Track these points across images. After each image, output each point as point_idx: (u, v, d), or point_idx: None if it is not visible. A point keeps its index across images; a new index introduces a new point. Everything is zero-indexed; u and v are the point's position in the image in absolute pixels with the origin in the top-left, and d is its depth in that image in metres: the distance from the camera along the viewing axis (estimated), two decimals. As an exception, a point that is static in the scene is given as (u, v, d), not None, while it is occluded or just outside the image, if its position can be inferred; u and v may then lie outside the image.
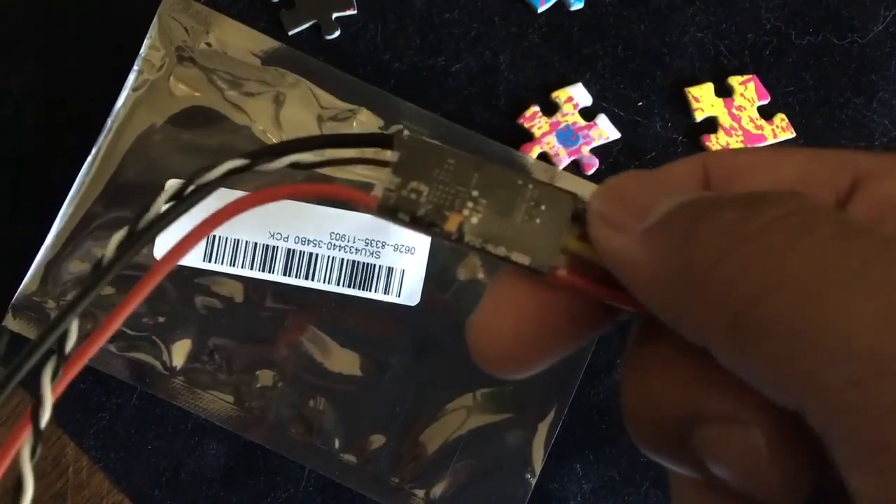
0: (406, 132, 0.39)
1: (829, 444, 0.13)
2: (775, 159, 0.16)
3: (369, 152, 0.17)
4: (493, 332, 0.17)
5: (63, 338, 0.15)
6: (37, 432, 0.15)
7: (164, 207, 0.16)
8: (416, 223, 0.16)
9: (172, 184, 0.16)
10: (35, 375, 0.15)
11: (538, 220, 0.16)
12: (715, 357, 0.14)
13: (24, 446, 0.15)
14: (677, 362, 0.15)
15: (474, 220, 0.16)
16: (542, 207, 0.16)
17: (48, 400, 0.15)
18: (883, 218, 0.15)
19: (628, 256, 0.15)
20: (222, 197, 0.16)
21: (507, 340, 0.16)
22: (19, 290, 0.38)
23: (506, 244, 0.16)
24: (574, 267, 0.16)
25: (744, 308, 0.13)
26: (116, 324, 0.16)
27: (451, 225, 0.16)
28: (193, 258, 0.38)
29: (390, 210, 0.16)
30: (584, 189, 0.40)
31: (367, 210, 0.16)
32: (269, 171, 0.17)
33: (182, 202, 0.16)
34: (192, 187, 0.16)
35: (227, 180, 0.16)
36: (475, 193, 0.16)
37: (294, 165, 0.17)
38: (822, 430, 0.13)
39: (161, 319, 0.38)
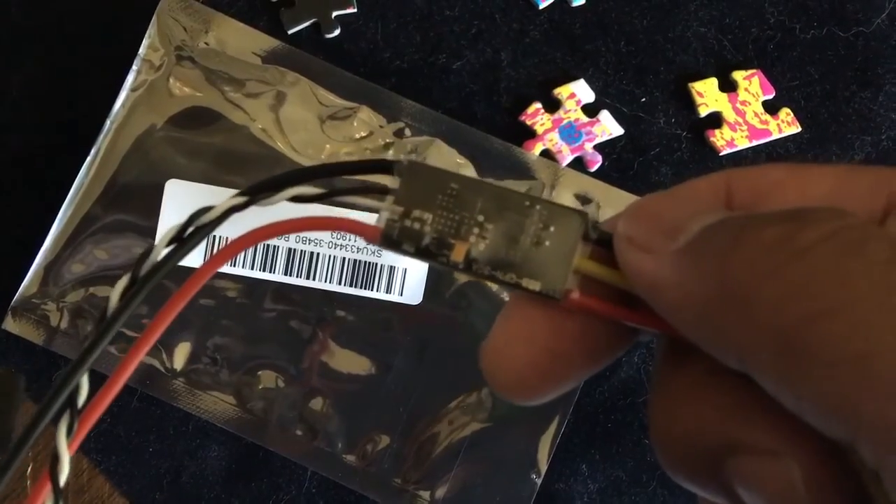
0: (406, 130, 0.39)
1: (884, 479, 0.12)
2: (805, 176, 0.16)
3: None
4: (507, 359, 0.16)
5: (75, 392, 0.15)
6: (56, 490, 0.15)
7: (165, 252, 0.16)
8: (421, 254, 0.16)
9: (171, 227, 0.16)
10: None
11: (548, 243, 0.15)
12: (758, 383, 0.13)
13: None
14: (709, 387, 0.15)
15: (481, 247, 0.16)
16: (552, 229, 0.16)
17: (66, 457, 0.15)
18: None
19: (660, 278, 0.14)
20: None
21: (521, 367, 0.16)
22: (19, 291, 0.37)
23: (515, 271, 0.15)
24: (588, 289, 0.16)
25: (795, 332, 0.12)
26: (125, 375, 0.15)
27: (458, 255, 0.16)
28: (194, 259, 0.37)
29: (394, 241, 0.16)
30: (588, 186, 0.39)
31: (369, 242, 0.16)
32: (268, 206, 0.16)
33: (182, 245, 0.16)
34: (191, 228, 0.16)
35: (226, 219, 0.16)
36: (481, 218, 0.16)
37: (295, 199, 0.16)
38: (878, 464, 0.12)
39: (161, 321, 0.38)
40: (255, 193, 0.16)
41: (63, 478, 0.15)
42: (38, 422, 0.15)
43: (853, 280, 0.12)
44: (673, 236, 0.14)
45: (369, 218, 0.16)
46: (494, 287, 0.38)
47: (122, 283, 0.16)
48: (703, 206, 0.15)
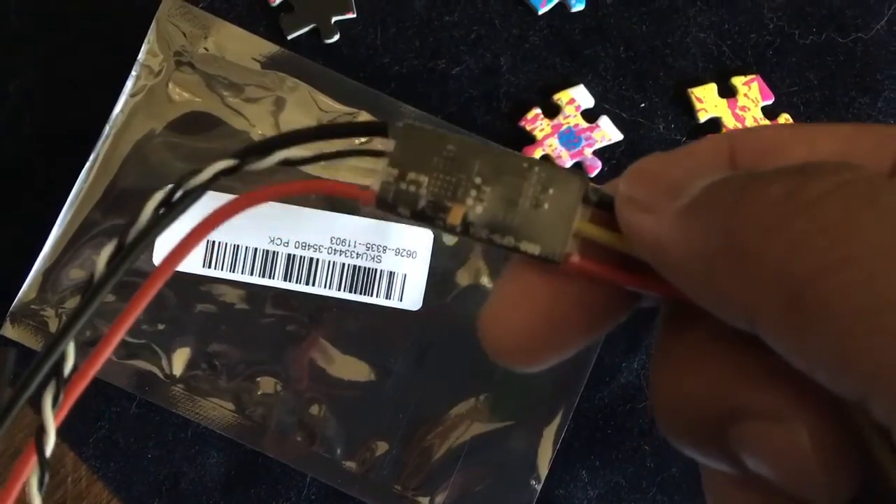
0: (403, 120, 0.39)
1: (895, 435, 0.12)
2: (811, 135, 0.15)
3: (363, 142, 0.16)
4: (505, 324, 0.16)
5: (61, 361, 0.15)
6: (42, 461, 0.15)
7: (152, 216, 0.15)
8: (417, 217, 0.15)
9: (158, 192, 0.16)
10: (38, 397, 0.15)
11: (547, 206, 0.15)
12: (766, 341, 0.13)
13: (32, 477, 0.15)
14: (713, 352, 0.14)
15: (479, 209, 0.15)
16: (551, 191, 0.15)
17: (51, 427, 0.15)
18: None
19: (663, 238, 0.14)
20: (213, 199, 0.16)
21: (519, 333, 0.16)
22: (17, 297, 0.37)
23: (514, 234, 0.15)
24: (588, 253, 0.15)
25: (804, 286, 0.12)
26: (114, 341, 0.15)
27: (455, 217, 0.15)
28: (193, 264, 0.37)
29: (389, 205, 0.15)
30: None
31: (365, 204, 0.15)
32: (259, 170, 0.16)
33: (172, 209, 0.15)
34: (180, 193, 0.16)
35: (215, 183, 0.16)
36: (478, 181, 0.15)
37: (284, 162, 0.16)
38: (891, 419, 0.12)
39: (161, 327, 0.38)
40: (245, 156, 0.16)
41: (49, 449, 0.15)
42: (23, 390, 0.15)
43: (865, 230, 0.12)
44: (675, 195, 0.14)
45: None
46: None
47: (109, 249, 0.15)
48: (706, 166, 0.15)
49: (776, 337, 0.13)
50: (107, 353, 0.15)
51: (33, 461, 0.15)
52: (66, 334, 0.15)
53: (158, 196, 0.15)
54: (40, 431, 0.15)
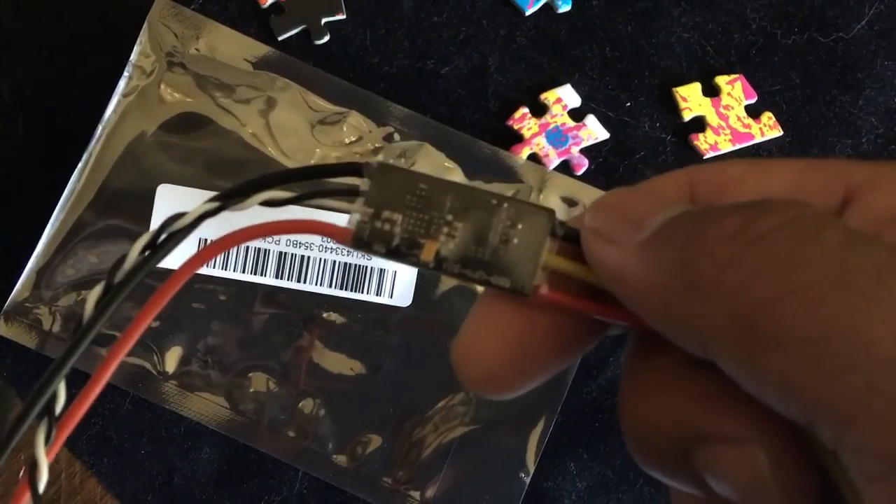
0: (395, 134, 0.40)
1: (842, 458, 0.13)
2: (765, 170, 0.16)
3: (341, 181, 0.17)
4: (477, 354, 0.16)
5: (52, 400, 0.15)
6: (36, 497, 0.15)
7: (138, 258, 0.16)
8: (391, 254, 0.16)
9: (144, 235, 0.16)
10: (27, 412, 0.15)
11: (516, 240, 0.16)
12: (722, 368, 0.14)
13: None
14: (677, 377, 0.15)
15: (451, 245, 0.16)
16: (519, 226, 0.16)
17: (44, 464, 0.15)
18: (879, 231, 0.15)
19: (625, 269, 0.15)
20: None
21: (491, 363, 0.16)
22: (11, 296, 0.38)
23: (485, 268, 0.16)
24: (556, 284, 0.16)
25: (754, 316, 0.13)
26: (101, 382, 0.15)
27: (428, 254, 0.16)
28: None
29: (364, 243, 0.16)
30: (575, 189, 0.40)
31: (341, 243, 0.16)
32: (240, 211, 0.17)
33: (156, 252, 0.16)
34: (164, 235, 0.16)
35: (199, 225, 0.16)
36: (449, 217, 0.16)
37: (266, 203, 0.16)
38: (837, 443, 0.13)
39: (154, 324, 0.38)
40: (227, 199, 0.16)
41: (42, 485, 0.15)
42: (13, 431, 0.15)
43: (809, 264, 0.13)
44: (638, 228, 0.15)
45: (342, 220, 0.16)
46: (481, 290, 0.38)
47: (97, 291, 0.16)
48: (667, 200, 0.15)
49: (729, 364, 0.13)
50: (95, 391, 0.15)
51: (27, 497, 0.15)
52: (56, 374, 0.15)
53: (144, 239, 0.16)
54: (33, 468, 0.15)
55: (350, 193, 0.16)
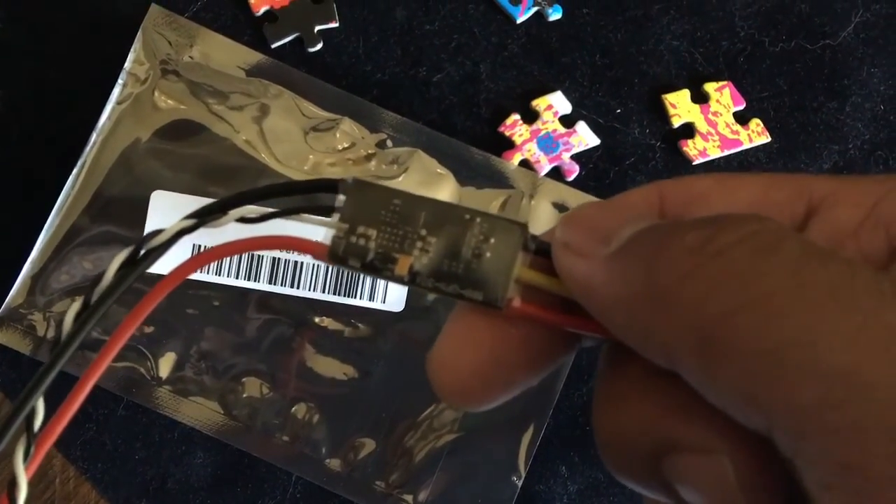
0: (388, 141, 0.40)
1: (798, 467, 0.13)
2: (730, 185, 0.17)
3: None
4: (452, 367, 0.16)
5: (31, 416, 0.15)
6: None
7: (116, 275, 0.16)
8: (366, 269, 0.16)
9: (122, 252, 0.16)
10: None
11: (488, 254, 0.16)
12: (685, 379, 0.14)
13: None
14: (646, 389, 0.15)
15: (424, 260, 0.16)
16: (492, 240, 0.16)
17: (23, 481, 0.15)
18: (840, 244, 0.16)
19: (593, 282, 0.15)
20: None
21: (465, 375, 0.16)
22: (5, 302, 0.38)
23: (458, 282, 0.16)
24: (529, 297, 0.16)
25: (712, 327, 0.13)
26: (79, 398, 0.16)
27: (402, 268, 0.16)
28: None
29: (340, 258, 0.16)
30: (566, 195, 0.40)
31: (317, 258, 0.16)
32: (217, 227, 0.17)
33: (134, 268, 0.16)
34: (142, 252, 0.16)
35: (176, 242, 0.17)
36: (423, 232, 0.16)
37: (242, 220, 0.17)
38: (793, 452, 0.13)
39: (147, 329, 0.38)
40: (205, 216, 0.17)
41: (21, 501, 0.15)
42: None
43: (767, 277, 0.13)
44: (605, 242, 0.15)
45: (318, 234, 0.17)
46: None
47: (75, 307, 0.16)
48: (636, 215, 0.16)
49: (691, 375, 0.14)
50: (73, 409, 0.16)
51: None
52: (35, 391, 0.15)
53: (122, 256, 0.16)
54: (12, 486, 0.15)
55: (326, 210, 0.16)
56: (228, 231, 0.17)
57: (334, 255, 0.16)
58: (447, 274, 0.16)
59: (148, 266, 0.16)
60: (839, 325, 0.12)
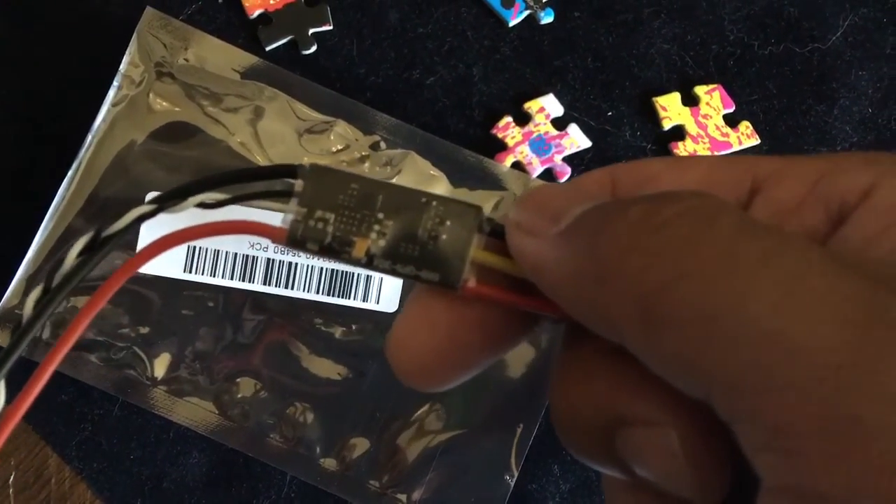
0: (382, 143, 0.40)
1: (736, 432, 0.13)
2: (679, 167, 0.17)
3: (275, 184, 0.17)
4: (410, 347, 0.17)
5: None
6: None
7: (75, 261, 0.16)
8: (324, 252, 0.16)
9: (81, 238, 0.17)
10: None
11: (444, 237, 0.16)
12: (630, 351, 0.14)
13: None
14: (598, 367, 0.16)
15: (381, 242, 0.16)
16: (448, 223, 0.16)
17: None
18: (783, 220, 0.16)
19: (542, 259, 0.15)
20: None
21: (422, 355, 0.17)
22: (0, 303, 0.38)
23: (414, 263, 0.16)
24: (484, 278, 0.16)
25: (651, 297, 0.14)
26: (39, 384, 0.16)
27: (359, 251, 0.16)
28: (174, 269, 0.38)
29: (298, 241, 0.16)
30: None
31: (275, 242, 0.17)
32: (176, 212, 0.17)
33: (92, 254, 0.17)
34: (101, 238, 0.17)
35: (135, 227, 0.17)
36: (380, 216, 0.16)
37: (201, 205, 0.17)
38: (729, 417, 0.13)
39: (143, 330, 0.38)
40: (164, 200, 0.17)
41: None
42: None
43: (703, 248, 0.13)
44: (556, 221, 0.16)
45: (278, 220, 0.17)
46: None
47: (36, 293, 0.16)
48: (586, 196, 0.16)
49: (634, 345, 0.14)
50: (34, 392, 0.16)
51: None
52: None
53: (81, 242, 0.16)
54: None
55: (285, 195, 0.17)
56: (188, 218, 0.17)
57: (293, 238, 0.16)
58: (403, 256, 0.16)
59: (107, 252, 0.17)
60: (768, 292, 0.13)
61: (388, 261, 0.16)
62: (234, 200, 0.17)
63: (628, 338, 0.14)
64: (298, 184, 0.17)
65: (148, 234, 0.38)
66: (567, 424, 0.16)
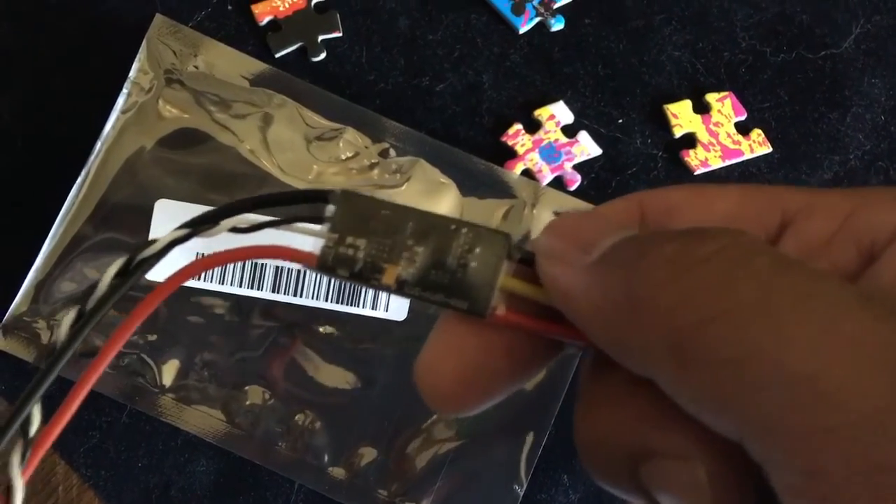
0: (391, 150, 0.40)
1: (768, 472, 0.13)
2: (708, 197, 0.17)
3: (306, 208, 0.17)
4: (438, 373, 0.17)
5: (27, 423, 0.16)
6: None
7: (110, 285, 0.17)
8: (354, 278, 0.16)
9: (116, 262, 0.17)
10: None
11: (473, 264, 0.16)
12: (659, 386, 0.14)
13: None
14: (624, 397, 0.16)
15: (411, 269, 0.16)
16: (477, 250, 0.16)
17: (19, 485, 0.16)
18: (812, 256, 0.16)
19: (574, 289, 0.15)
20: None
21: (451, 382, 0.17)
22: (9, 310, 0.38)
23: (444, 291, 0.16)
24: (512, 305, 0.16)
25: (685, 336, 0.13)
26: (75, 404, 0.16)
27: (389, 278, 0.16)
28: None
29: (329, 267, 0.16)
30: (568, 204, 0.41)
31: (307, 267, 0.17)
32: (209, 237, 0.17)
33: (127, 278, 0.17)
34: (135, 262, 0.17)
35: (168, 252, 0.17)
36: (410, 242, 0.16)
37: (233, 230, 0.17)
38: (761, 458, 0.13)
39: (151, 338, 0.38)
40: (197, 225, 0.17)
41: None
42: None
43: (737, 289, 0.13)
44: (588, 251, 0.15)
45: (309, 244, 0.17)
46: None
47: (71, 316, 0.16)
48: (617, 225, 0.16)
49: (665, 382, 0.14)
50: (68, 415, 0.16)
51: None
52: (30, 398, 0.16)
53: (115, 266, 0.17)
54: (9, 490, 0.16)
55: (316, 220, 0.17)
56: (221, 241, 0.17)
57: (323, 264, 0.16)
58: (433, 283, 0.16)
59: (141, 276, 0.17)
60: (802, 334, 0.13)
61: (417, 288, 0.16)
62: (266, 225, 0.17)
63: (658, 374, 0.14)
64: (329, 209, 0.17)
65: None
66: (591, 450, 0.16)
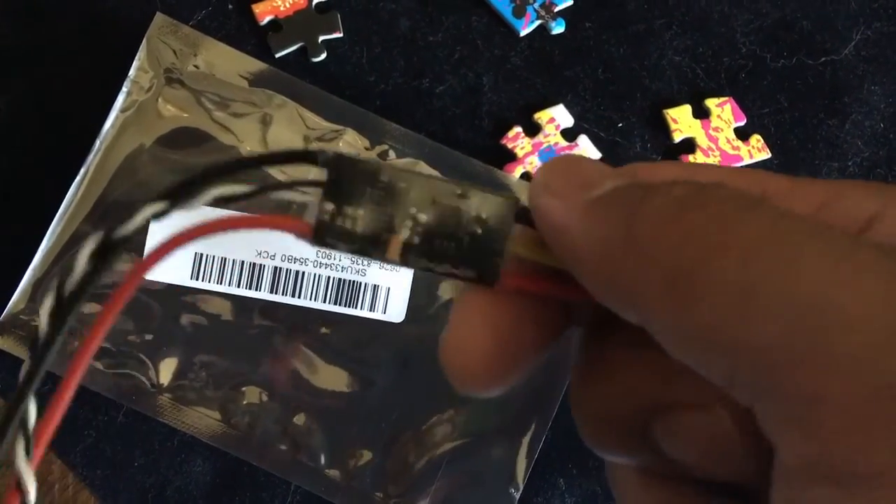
0: (390, 152, 0.40)
1: (758, 413, 0.13)
2: (696, 172, 0.17)
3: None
4: (465, 351, 0.16)
5: (25, 418, 0.15)
6: None
7: (86, 266, 0.15)
8: (355, 251, 0.15)
9: (90, 240, 0.15)
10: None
11: (480, 231, 0.15)
12: (648, 327, 0.14)
13: None
14: (633, 354, 0.16)
15: (415, 240, 0.15)
16: (484, 215, 0.15)
17: (30, 478, 0.15)
18: None
19: (569, 223, 0.15)
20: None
21: (480, 358, 0.16)
22: (7, 308, 0.38)
23: (451, 260, 0.15)
24: (522, 270, 0.16)
25: (687, 268, 0.13)
26: (70, 389, 0.15)
27: (393, 251, 0.15)
28: (180, 276, 0.38)
29: (326, 242, 0.15)
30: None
31: (301, 238, 0.15)
32: (191, 209, 0.16)
33: (106, 259, 0.15)
34: (112, 240, 0.15)
35: (146, 228, 0.15)
36: (413, 210, 0.15)
37: (218, 201, 0.15)
38: (754, 393, 0.13)
39: (148, 337, 0.38)
40: (175, 197, 0.15)
41: (31, 499, 0.15)
42: None
43: (747, 224, 0.13)
44: (587, 189, 0.15)
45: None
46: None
47: (48, 304, 0.15)
48: (618, 173, 0.16)
49: (656, 320, 0.14)
50: (64, 403, 0.15)
51: None
52: (24, 395, 0.15)
53: (90, 245, 0.15)
54: (18, 484, 0.15)
55: (308, 184, 0.15)
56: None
57: (319, 238, 0.15)
58: (439, 253, 0.15)
59: (118, 256, 0.16)
60: (816, 261, 0.13)
61: (423, 258, 0.15)
62: (254, 193, 0.16)
63: (653, 314, 0.14)
64: (321, 172, 0.15)
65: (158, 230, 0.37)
66: (593, 414, 0.16)
